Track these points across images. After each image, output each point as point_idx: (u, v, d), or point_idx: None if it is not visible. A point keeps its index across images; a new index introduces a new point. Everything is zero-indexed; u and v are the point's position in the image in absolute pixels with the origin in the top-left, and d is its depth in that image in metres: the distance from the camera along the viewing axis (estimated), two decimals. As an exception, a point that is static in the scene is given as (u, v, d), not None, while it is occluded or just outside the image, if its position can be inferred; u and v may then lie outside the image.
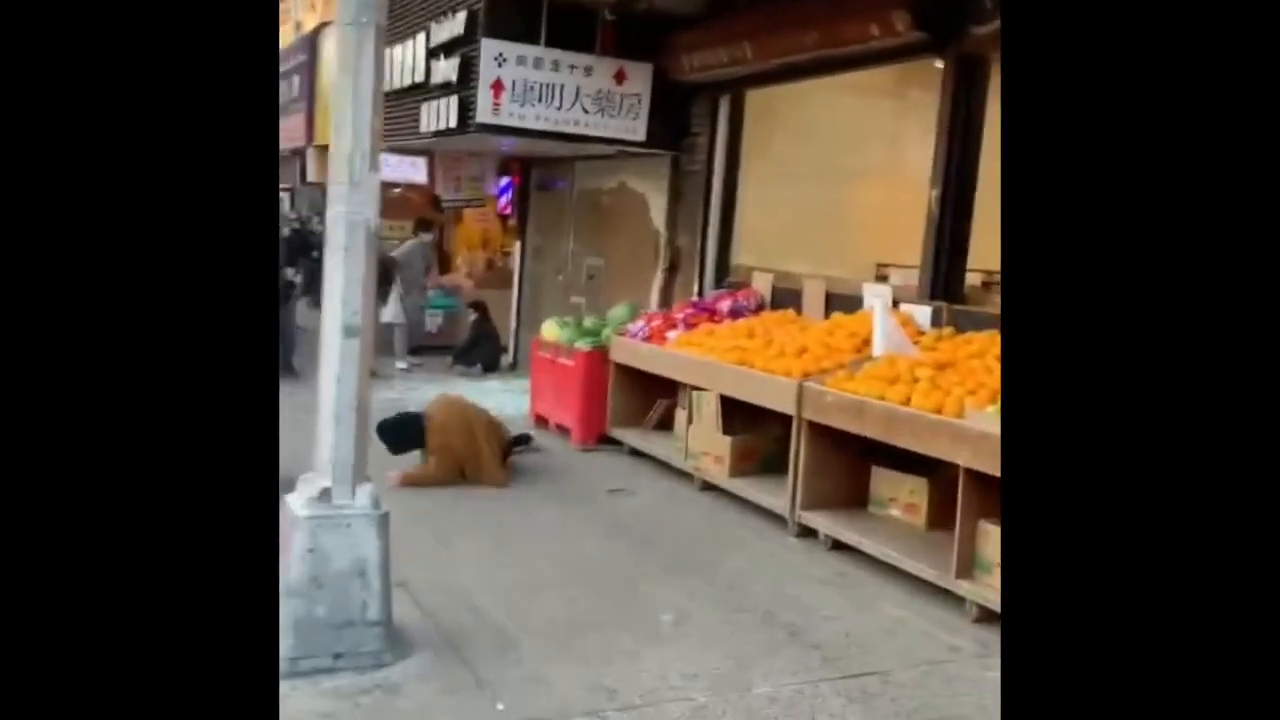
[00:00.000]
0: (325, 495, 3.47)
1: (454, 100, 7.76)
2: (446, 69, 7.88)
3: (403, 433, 5.96)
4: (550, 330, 7.80)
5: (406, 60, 8.91)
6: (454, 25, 7.73)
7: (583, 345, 7.29)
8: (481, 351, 11.23)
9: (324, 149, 12.25)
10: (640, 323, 7.07)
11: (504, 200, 11.46)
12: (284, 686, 3.31)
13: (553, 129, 7.68)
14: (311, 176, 13.83)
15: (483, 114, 7.54)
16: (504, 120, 7.61)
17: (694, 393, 6.13)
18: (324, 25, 14.11)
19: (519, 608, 4.13)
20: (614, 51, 7.68)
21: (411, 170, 10.73)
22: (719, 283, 7.82)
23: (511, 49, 7.41)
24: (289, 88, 14.35)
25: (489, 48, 7.36)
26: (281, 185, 14.54)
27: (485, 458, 6.00)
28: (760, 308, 6.85)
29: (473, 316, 11.31)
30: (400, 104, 9.43)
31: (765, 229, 7.85)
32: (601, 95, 7.72)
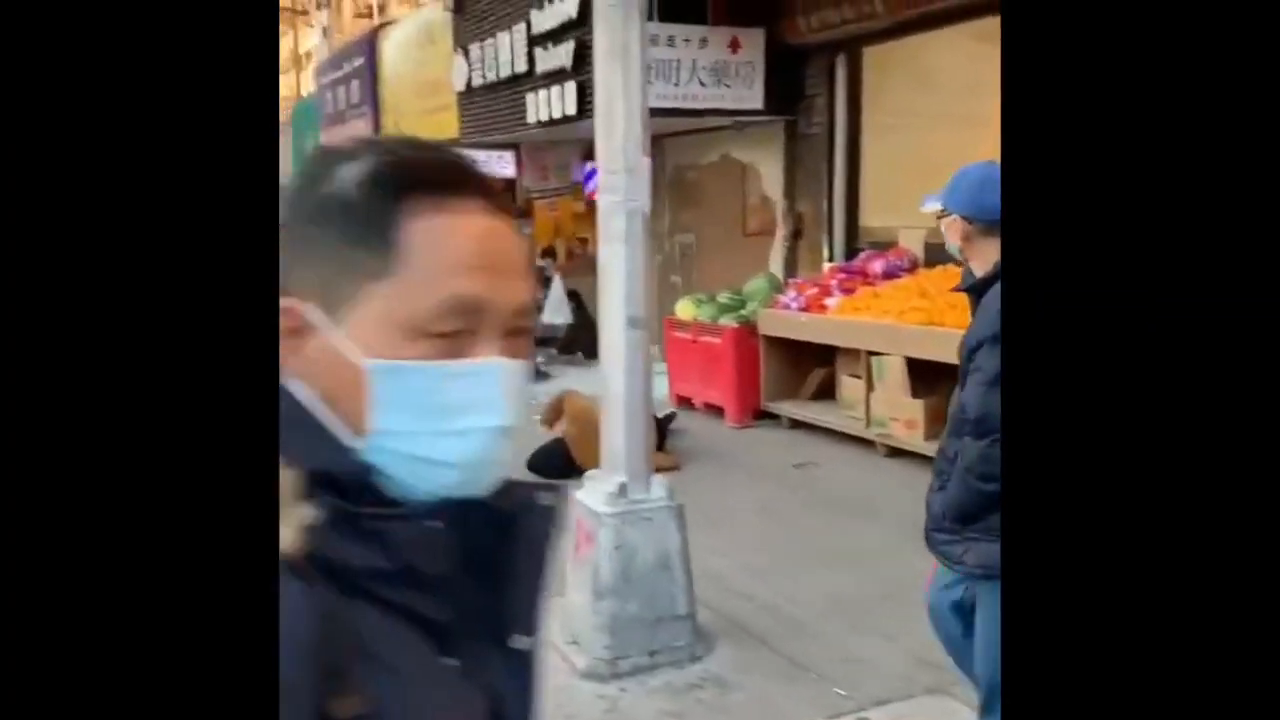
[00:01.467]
0: (622, 490, 3.40)
1: (569, 86, 7.65)
2: (557, 55, 7.77)
3: (553, 462, 5.59)
4: (686, 309, 7.72)
5: (503, 53, 8.80)
6: (563, 9, 7.60)
7: (728, 321, 7.19)
8: (581, 340, 11.21)
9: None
10: (792, 293, 6.95)
11: (591, 185, 11.36)
12: (611, 688, 3.27)
13: (672, 105, 7.56)
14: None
15: (601, 97, 7.44)
16: (622, 101, 7.50)
17: (873, 358, 6.03)
18: (383, 26, 14.01)
19: (784, 589, 4.06)
20: (727, 20, 7.55)
21: (500, 165, 10.62)
22: (850, 246, 7.69)
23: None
24: (347, 93, 14.24)
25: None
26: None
27: None
28: (914, 266, 6.72)
29: (570, 306, 11.25)
30: (496, 97, 9.33)
31: (891, 187, 7.69)
32: (718, 66, 7.59)
